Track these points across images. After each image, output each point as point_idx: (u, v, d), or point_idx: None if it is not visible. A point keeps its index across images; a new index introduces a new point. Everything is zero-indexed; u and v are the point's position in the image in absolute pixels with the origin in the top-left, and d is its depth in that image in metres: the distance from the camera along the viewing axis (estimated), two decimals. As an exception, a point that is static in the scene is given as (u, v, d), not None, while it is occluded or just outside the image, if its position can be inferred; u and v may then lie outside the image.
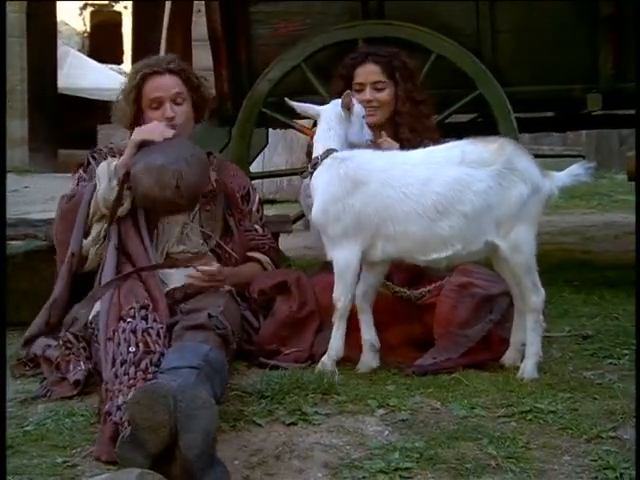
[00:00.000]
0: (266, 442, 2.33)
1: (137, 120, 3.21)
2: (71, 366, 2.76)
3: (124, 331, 2.55)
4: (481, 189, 2.72)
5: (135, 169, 2.92)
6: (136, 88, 3.18)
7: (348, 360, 2.91)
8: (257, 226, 3.27)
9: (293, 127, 4.09)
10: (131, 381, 2.40)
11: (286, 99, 3.03)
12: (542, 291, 2.79)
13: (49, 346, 2.91)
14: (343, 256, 2.81)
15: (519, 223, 2.74)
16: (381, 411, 2.52)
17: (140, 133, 3.04)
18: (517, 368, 2.82)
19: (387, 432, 2.40)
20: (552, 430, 2.40)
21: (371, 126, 3.12)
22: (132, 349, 2.48)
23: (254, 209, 3.29)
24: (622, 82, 3.84)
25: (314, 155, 2.90)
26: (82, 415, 2.53)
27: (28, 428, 2.46)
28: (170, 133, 3.02)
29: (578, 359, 3.01)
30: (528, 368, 2.76)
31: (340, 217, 2.79)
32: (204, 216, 3.17)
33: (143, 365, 2.44)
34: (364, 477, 2.17)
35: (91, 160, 3.20)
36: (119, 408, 2.32)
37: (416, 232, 2.74)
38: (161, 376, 2.33)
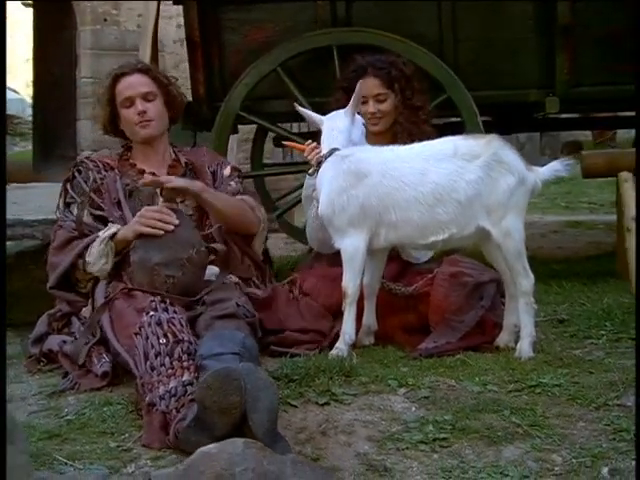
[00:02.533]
0: (307, 421, 2.47)
1: (114, 121, 3.38)
2: (95, 359, 2.82)
3: (150, 324, 2.63)
4: (472, 179, 2.95)
5: (132, 258, 2.94)
6: (109, 90, 3.35)
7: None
8: (232, 183, 3.39)
9: (274, 131, 4.24)
10: (169, 370, 2.49)
11: (295, 105, 3.17)
12: (532, 275, 3.02)
13: (64, 342, 2.96)
14: (351, 244, 2.99)
15: (508, 212, 2.98)
16: (402, 390, 2.69)
17: (141, 224, 2.97)
18: (512, 349, 3.05)
19: (414, 408, 2.58)
20: (562, 401, 2.62)
21: (373, 134, 3.34)
22: (162, 340, 2.57)
23: (226, 174, 3.42)
24: (576, 87, 4.14)
25: (321, 154, 3.07)
26: (119, 404, 2.61)
27: (69, 417, 2.53)
28: (173, 223, 2.95)
29: (562, 340, 3.25)
30: (525, 347, 2.98)
31: (345, 208, 2.98)
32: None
33: (176, 354, 2.53)
34: (407, 447, 2.34)
35: (76, 174, 3.29)
36: (162, 397, 2.41)
37: (416, 218, 2.96)
38: (207, 362, 2.43)
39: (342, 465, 2.26)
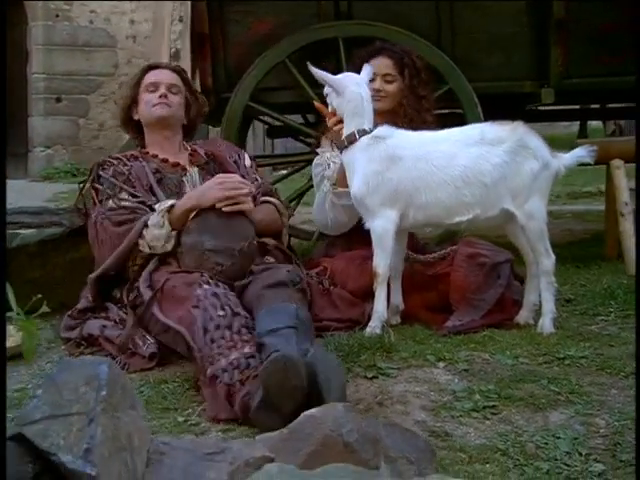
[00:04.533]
0: (360, 393, 2.59)
1: (130, 109, 3.48)
2: (139, 341, 2.89)
3: (206, 297, 2.68)
4: (498, 162, 3.10)
5: (184, 239, 3.02)
6: (137, 76, 3.48)
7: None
8: (257, 176, 3.51)
9: (283, 121, 4.35)
10: (230, 343, 2.55)
11: (308, 64, 3.22)
12: (553, 256, 3.19)
13: (105, 327, 3.02)
14: (381, 225, 3.12)
15: (532, 195, 3.13)
16: (441, 364, 2.83)
17: (192, 198, 3.08)
18: (532, 325, 3.22)
19: (456, 380, 2.72)
20: (592, 371, 2.78)
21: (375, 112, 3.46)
22: (221, 313, 2.63)
23: (247, 165, 3.54)
24: (569, 79, 4.33)
25: (346, 132, 3.17)
26: (174, 382, 2.70)
27: (129, 395, 2.60)
28: (250, 192, 3.08)
29: (575, 317, 3.43)
30: (546, 324, 3.15)
31: (379, 189, 3.11)
32: None
33: (235, 327, 2.60)
34: (460, 415, 2.47)
35: (101, 172, 3.34)
36: (225, 370, 2.48)
37: (444, 199, 3.11)
38: (266, 339, 2.52)
39: (406, 432, 2.39)
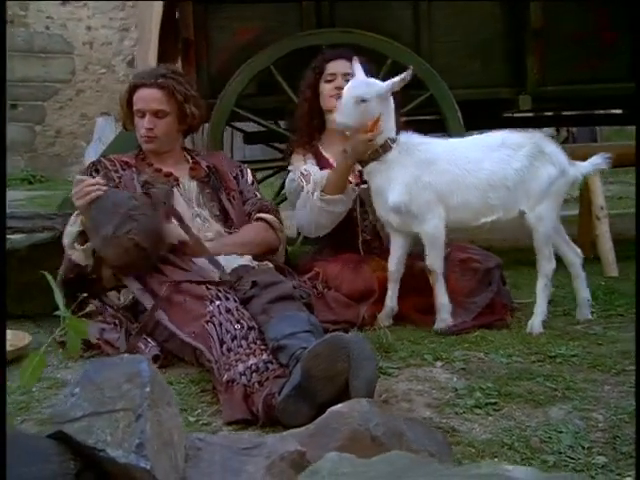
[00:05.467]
0: (365, 391, 2.65)
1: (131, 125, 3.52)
2: (141, 345, 2.91)
3: (220, 312, 2.71)
4: (518, 167, 3.22)
5: (94, 243, 3.10)
6: (127, 94, 3.47)
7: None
8: (256, 192, 3.56)
9: (267, 127, 4.40)
10: (247, 350, 2.58)
11: (355, 59, 3.27)
12: (554, 261, 3.31)
13: (104, 330, 3.04)
14: (433, 225, 3.23)
15: (545, 199, 3.25)
16: (439, 363, 2.91)
17: (77, 199, 3.11)
18: (591, 321, 3.40)
19: (455, 378, 2.79)
20: (584, 369, 2.88)
21: (329, 110, 3.59)
22: (237, 326, 2.66)
23: (249, 180, 3.58)
24: (545, 86, 4.45)
25: (380, 141, 3.21)
26: (180, 383, 2.73)
27: (136, 397, 2.62)
28: (100, 184, 3.12)
29: (559, 318, 3.52)
30: (536, 324, 3.26)
31: (421, 194, 3.20)
32: (206, 198, 3.44)
33: (251, 339, 2.62)
34: (464, 412, 2.54)
35: (94, 174, 3.37)
36: (243, 373, 2.51)
37: (473, 201, 3.23)
38: (286, 342, 2.55)
39: (413, 428, 2.45)
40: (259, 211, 3.47)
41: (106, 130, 10.50)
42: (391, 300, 3.33)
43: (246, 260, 3.20)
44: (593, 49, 4.43)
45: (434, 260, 3.24)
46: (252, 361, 2.54)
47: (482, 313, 3.34)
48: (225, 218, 3.45)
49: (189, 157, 3.59)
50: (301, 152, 3.68)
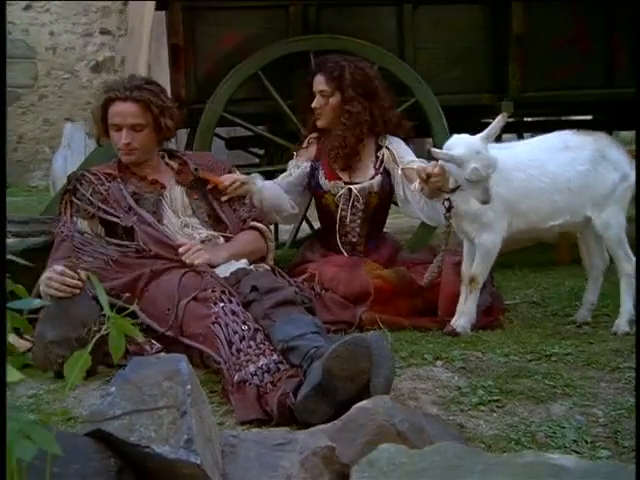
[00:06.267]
0: (371, 390, 2.70)
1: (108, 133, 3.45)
2: (147, 347, 2.92)
3: (225, 314, 2.74)
4: (582, 170, 3.27)
5: (36, 331, 2.89)
6: (102, 108, 3.40)
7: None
8: (245, 200, 3.56)
9: (255, 132, 4.46)
10: (257, 351, 2.61)
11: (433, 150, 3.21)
12: (633, 258, 3.34)
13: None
14: (492, 239, 3.25)
15: (610, 204, 3.29)
16: (439, 362, 2.97)
17: (46, 286, 2.93)
18: (588, 323, 3.46)
19: (457, 377, 2.85)
20: (579, 366, 2.96)
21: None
22: (245, 327, 2.68)
23: None
24: (526, 92, 4.56)
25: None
26: (187, 384, 2.76)
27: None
28: (78, 287, 2.90)
29: (548, 318, 3.62)
30: (622, 323, 3.30)
31: (493, 204, 3.17)
32: (195, 204, 3.45)
33: (259, 340, 2.66)
34: (470, 409, 2.61)
35: (79, 186, 3.35)
36: (254, 374, 2.54)
37: (541, 206, 3.27)
38: (296, 343, 2.59)
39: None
40: (253, 219, 3.50)
41: (75, 137, 10.43)
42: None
43: (242, 263, 3.23)
44: (571, 56, 4.54)
45: (481, 271, 3.27)
46: (263, 361, 2.57)
47: (480, 315, 3.40)
48: (215, 221, 3.46)
49: (173, 162, 3.56)
50: (307, 149, 3.86)
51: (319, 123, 3.80)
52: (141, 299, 3.00)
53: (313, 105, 3.77)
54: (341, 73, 3.75)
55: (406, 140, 3.81)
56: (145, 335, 2.95)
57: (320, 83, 3.78)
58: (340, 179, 3.70)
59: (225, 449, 1.77)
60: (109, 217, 3.29)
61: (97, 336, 1.58)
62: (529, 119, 5.73)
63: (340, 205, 3.69)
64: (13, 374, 1.42)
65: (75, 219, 3.29)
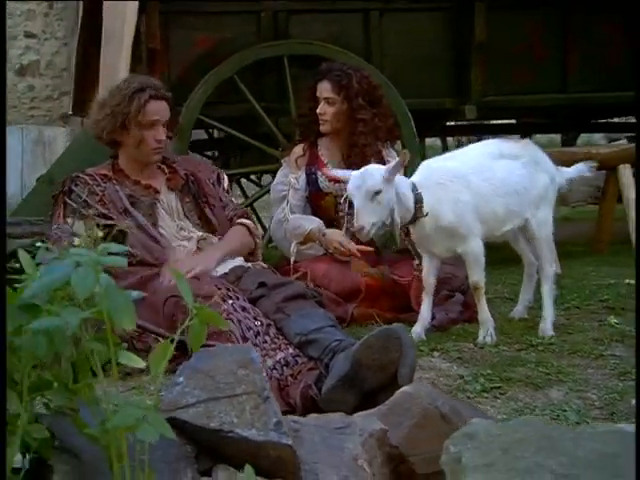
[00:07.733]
0: (379, 381, 2.82)
1: (114, 131, 3.37)
2: (154, 346, 2.97)
3: (235, 310, 2.79)
4: (521, 174, 3.35)
5: None
6: (137, 106, 3.29)
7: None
8: (231, 198, 3.65)
9: (231, 134, 4.52)
10: (273, 345, 2.69)
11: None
12: (555, 264, 3.50)
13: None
14: (477, 244, 3.26)
15: (543, 205, 3.42)
16: (436, 353, 3.12)
17: None
18: (526, 320, 3.57)
19: (456, 367, 3.00)
20: (564, 355, 3.14)
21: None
22: (257, 323, 2.76)
23: (225, 186, 3.63)
24: (487, 96, 4.76)
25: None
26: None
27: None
28: None
29: (529, 310, 3.79)
30: (547, 327, 3.37)
31: (464, 215, 3.23)
32: (187, 208, 3.50)
33: (272, 334, 2.74)
34: (475, 396, 2.75)
35: (74, 187, 3.33)
36: (273, 368, 2.62)
37: (498, 211, 3.31)
38: (315, 336, 2.68)
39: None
40: (240, 217, 3.56)
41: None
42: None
43: (239, 261, 3.30)
44: (528, 62, 4.77)
45: (479, 276, 3.28)
46: (280, 355, 2.66)
47: (463, 309, 3.56)
48: (205, 224, 3.52)
49: (164, 166, 3.57)
50: (297, 155, 3.93)
51: (323, 128, 3.88)
52: (138, 308, 3.02)
53: (318, 111, 3.85)
54: (349, 81, 3.85)
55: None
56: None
57: (326, 90, 3.85)
58: (341, 181, 3.80)
59: (289, 434, 1.86)
60: (104, 220, 3.29)
61: (182, 327, 1.65)
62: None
63: (340, 206, 3.79)
64: (136, 360, 1.50)
65: (70, 221, 3.31)
